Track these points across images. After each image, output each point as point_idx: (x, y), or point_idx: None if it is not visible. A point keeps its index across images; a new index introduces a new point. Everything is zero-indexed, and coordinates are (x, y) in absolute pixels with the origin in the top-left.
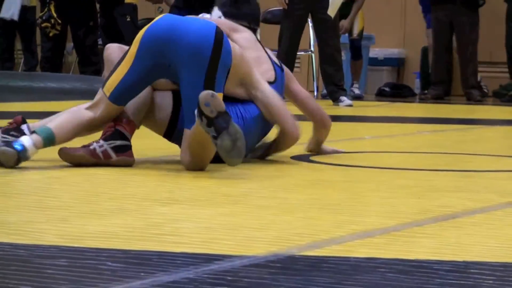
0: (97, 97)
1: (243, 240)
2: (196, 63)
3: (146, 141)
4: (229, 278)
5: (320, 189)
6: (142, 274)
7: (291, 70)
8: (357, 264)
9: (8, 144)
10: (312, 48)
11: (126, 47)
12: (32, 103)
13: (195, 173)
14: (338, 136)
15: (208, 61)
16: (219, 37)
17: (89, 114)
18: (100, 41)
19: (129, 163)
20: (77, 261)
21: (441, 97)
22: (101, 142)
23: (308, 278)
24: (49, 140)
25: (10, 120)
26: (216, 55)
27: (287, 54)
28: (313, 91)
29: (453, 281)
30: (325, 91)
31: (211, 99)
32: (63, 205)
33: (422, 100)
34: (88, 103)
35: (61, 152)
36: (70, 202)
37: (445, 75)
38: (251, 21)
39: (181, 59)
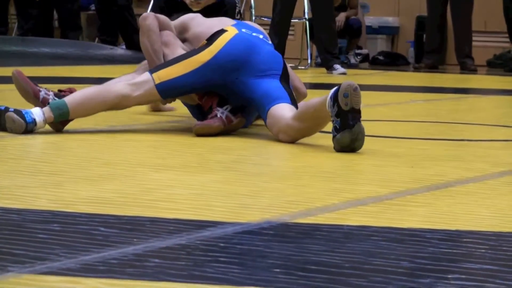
0: (143, 78)
1: (236, 207)
2: (272, 73)
3: (137, 109)
4: (221, 244)
5: (313, 157)
6: (135, 239)
7: (285, 38)
8: (349, 232)
9: (20, 113)
10: (306, 16)
11: (160, 16)
12: (26, 67)
13: (188, 139)
14: None
15: (282, 68)
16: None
17: (125, 91)
18: (93, 7)
19: (244, 123)
20: (69, 226)
21: (435, 66)
22: (220, 109)
23: (300, 246)
24: (61, 116)
25: (64, 88)
26: (285, 69)
27: (280, 22)
28: (307, 59)
29: (446, 250)
30: (319, 59)
31: (353, 92)
32: (56, 170)
33: (417, 69)
34: (130, 79)
35: (198, 128)
36: (63, 167)
37: (439, 44)
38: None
39: (257, 72)
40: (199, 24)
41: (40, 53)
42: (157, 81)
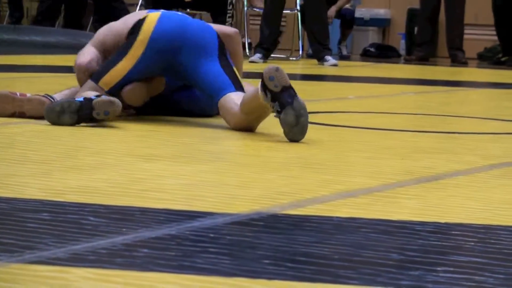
0: (88, 87)
1: (225, 197)
2: (209, 48)
3: None
4: (211, 235)
5: (304, 148)
6: (124, 229)
7: (278, 28)
8: (339, 224)
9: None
10: (298, 7)
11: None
12: (17, 56)
13: (178, 129)
14: (322, 96)
15: (217, 43)
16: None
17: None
18: None
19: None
20: (59, 215)
21: (426, 59)
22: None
23: (290, 237)
24: None
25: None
26: (220, 41)
27: (272, 12)
28: (298, 50)
29: (435, 242)
30: (310, 51)
31: (276, 73)
32: (45, 159)
33: (408, 62)
34: (79, 92)
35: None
36: (52, 156)
37: (431, 37)
38: None
39: (194, 50)
40: (111, 26)
41: (32, 42)
42: (106, 89)
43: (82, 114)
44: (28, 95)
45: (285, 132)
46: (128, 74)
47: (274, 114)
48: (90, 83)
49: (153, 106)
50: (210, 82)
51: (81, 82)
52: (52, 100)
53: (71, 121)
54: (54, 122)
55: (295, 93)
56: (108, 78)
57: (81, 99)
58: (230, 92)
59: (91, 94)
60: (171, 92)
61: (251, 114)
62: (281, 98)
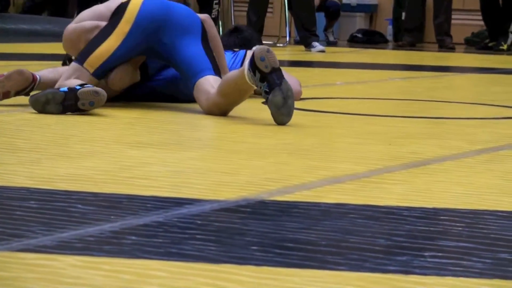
0: (73, 69)
1: (213, 184)
2: (192, 31)
3: None
4: (199, 222)
5: (291, 134)
6: (112, 217)
7: (264, 15)
8: (326, 210)
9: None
10: None
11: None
12: (3, 44)
13: (166, 116)
14: (309, 82)
15: (201, 28)
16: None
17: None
18: None
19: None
20: (47, 203)
21: (414, 44)
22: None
23: (278, 223)
24: None
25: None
26: (203, 27)
27: None
28: (285, 36)
29: (423, 228)
30: (297, 37)
31: (267, 54)
32: (33, 147)
33: (400, 47)
34: (63, 76)
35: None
36: (40, 144)
37: (419, 22)
38: None
39: (178, 32)
40: (94, 10)
41: (18, 30)
42: (91, 70)
43: (67, 105)
44: (5, 73)
45: (272, 114)
46: (113, 55)
47: (262, 94)
48: (74, 65)
49: (135, 92)
50: (191, 63)
51: (72, 46)
52: (33, 75)
53: (56, 111)
54: (40, 112)
55: (283, 76)
56: (93, 59)
57: (65, 89)
58: (209, 75)
59: (75, 82)
60: (152, 78)
61: (227, 97)
62: (270, 79)
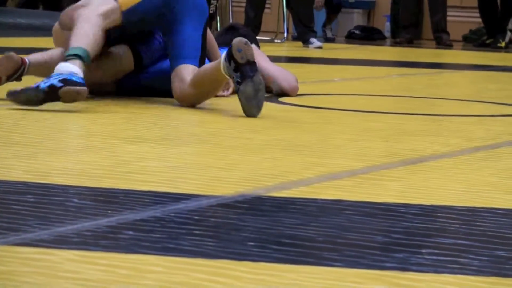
0: (109, 6)
1: (210, 180)
2: (201, 13)
3: None
4: (196, 217)
5: (288, 130)
6: (109, 212)
7: (262, 11)
8: (324, 206)
9: (72, 82)
10: None
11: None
12: (1, 38)
13: (163, 112)
14: (307, 78)
15: (206, 19)
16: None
17: (99, 23)
18: None
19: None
20: (43, 197)
21: (411, 41)
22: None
23: (274, 219)
24: (88, 59)
25: None
26: (208, 17)
27: None
28: (283, 32)
29: (420, 225)
30: (295, 33)
31: (244, 46)
32: (30, 141)
33: (398, 44)
34: (99, 10)
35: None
36: (37, 138)
37: (415, 19)
38: None
39: (189, 6)
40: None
41: (16, 24)
42: (123, 8)
43: (49, 102)
44: None
45: (242, 105)
46: (141, 3)
47: (234, 85)
48: (113, 2)
49: (124, 86)
50: (183, 46)
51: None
52: (22, 59)
53: (36, 105)
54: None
55: (257, 70)
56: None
57: (47, 86)
58: (191, 64)
59: (72, 68)
60: (143, 71)
61: (199, 87)
62: (243, 70)
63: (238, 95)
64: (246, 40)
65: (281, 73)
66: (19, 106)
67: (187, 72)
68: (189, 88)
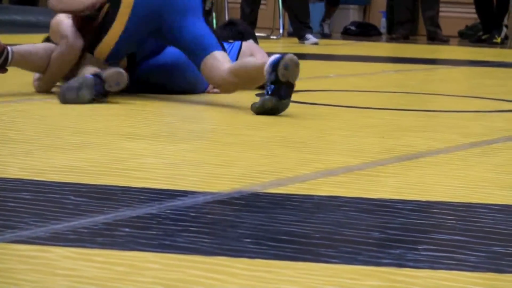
0: (89, 60)
1: (206, 176)
2: (194, 9)
3: None
4: (192, 214)
5: (285, 126)
6: (106, 209)
7: (258, 7)
8: (320, 202)
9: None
10: None
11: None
12: None
13: (160, 108)
14: (303, 74)
15: (202, 7)
16: None
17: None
18: None
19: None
20: (40, 194)
21: (407, 37)
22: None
23: (271, 216)
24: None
25: None
26: (203, 4)
27: None
28: (279, 29)
29: (416, 221)
30: (291, 29)
31: (294, 67)
32: (27, 139)
33: (394, 40)
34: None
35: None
36: (34, 135)
37: (410, 14)
38: None
39: (179, 13)
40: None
41: (12, 21)
42: (103, 56)
43: (97, 88)
44: None
45: (255, 103)
46: (118, 42)
47: (264, 90)
48: (89, 55)
49: None
50: (198, 42)
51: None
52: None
53: (89, 96)
54: (72, 102)
55: (291, 94)
56: (100, 50)
57: (90, 76)
58: (216, 50)
59: (91, 70)
60: (138, 65)
61: (240, 78)
62: (279, 87)
63: (260, 101)
64: (299, 62)
65: None
66: (70, 98)
67: (221, 59)
68: (231, 76)
